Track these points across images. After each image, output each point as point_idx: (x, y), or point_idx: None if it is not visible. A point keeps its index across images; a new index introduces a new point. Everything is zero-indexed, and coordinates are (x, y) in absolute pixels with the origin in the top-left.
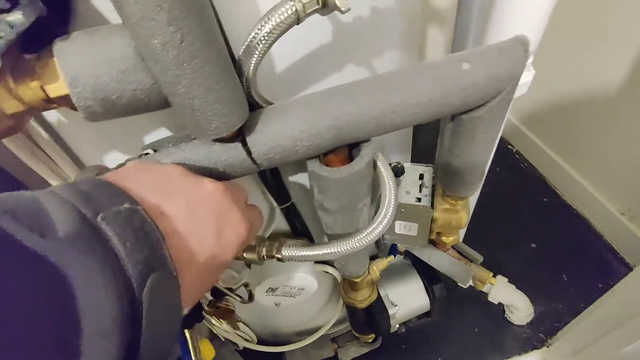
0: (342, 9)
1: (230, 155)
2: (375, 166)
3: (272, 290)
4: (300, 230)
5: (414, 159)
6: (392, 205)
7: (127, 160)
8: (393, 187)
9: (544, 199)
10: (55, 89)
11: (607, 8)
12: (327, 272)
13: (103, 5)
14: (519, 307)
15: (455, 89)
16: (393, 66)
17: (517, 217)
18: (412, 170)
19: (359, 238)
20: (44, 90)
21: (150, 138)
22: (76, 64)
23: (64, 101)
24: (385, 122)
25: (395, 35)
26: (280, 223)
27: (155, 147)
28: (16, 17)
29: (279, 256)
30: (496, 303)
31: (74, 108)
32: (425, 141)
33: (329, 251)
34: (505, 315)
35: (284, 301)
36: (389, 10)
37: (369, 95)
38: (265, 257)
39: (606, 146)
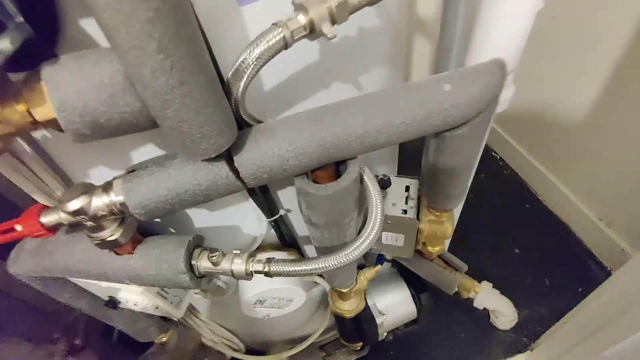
0: (329, 36)
1: (215, 173)
2: (362, 180)
3: (260, 302)
4: (288, 242)
5: (402, 163)
6: (378, 221)
7: (115, 179)
8: (380, 203)
9: (527, 205)
10: (42, 113)
11: (585, 26)
12: (316, 283)
13: (91, 26)
14: (504, 312)
15: (437, 109)
16: (379, 82)
17: (501, 222)
18: (399, 183)
19: (346, 253)
20: (30, 114)
21: (138, 153)
22: (64, 89)
23: (51, 124)
24: (370, 141)
25: (381, 53)
26: (269, 235)
27: (141, 166)
28: (5, 45)
29: (267, 271)
30: (481, 309)
31: (61, 130)
32: (412, 145)
33: (317, 266)
34: (490, 320)
35: (272, 312)
36: (376, 30)
37: (354, 116)
38: (253, 272)
39: (585, 155)
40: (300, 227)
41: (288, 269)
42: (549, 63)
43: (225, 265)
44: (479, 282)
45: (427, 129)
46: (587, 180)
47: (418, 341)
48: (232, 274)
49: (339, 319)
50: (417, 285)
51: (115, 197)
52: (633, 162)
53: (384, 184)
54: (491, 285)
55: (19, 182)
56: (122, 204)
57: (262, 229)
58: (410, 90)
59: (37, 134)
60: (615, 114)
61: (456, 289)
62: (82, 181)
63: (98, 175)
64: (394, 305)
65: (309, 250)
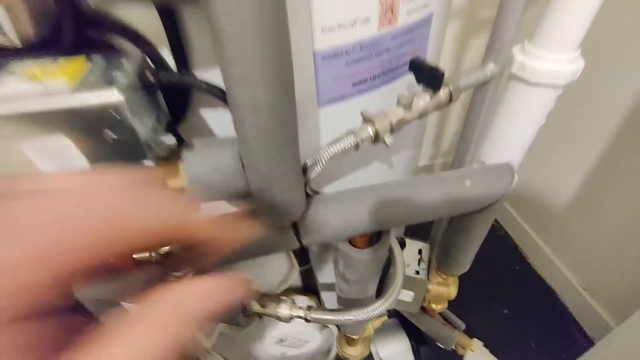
0: (388, 144)
1: (282, 237)
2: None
3: (281, 340)
4: (310, 288)
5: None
6: (399, 283)
7: None
8: (403, 269)
9: (517, 267)
10: (175, 182)
11: (572, 116)
12: (328, 327)
13: (209, 115)
14: None
15: (460, 199)
16: (407, 161)
17: (491, 282)
18: (412, 245)
19: (373, 308)
20: (165, 182)
21: None
22: (196, 169)
23: (178, 190)
24: (404, 219)
25: (412, 137)
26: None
27: None
28: (171, 140)
29: (309, 318)
30: None
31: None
32: None
33: (348, 318)
34: None
35: (288, 351)
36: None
37: (395, 199)
38: (294, 317)
39: (573, 226)
40: (322, 276)
41: (325, 318)
42: (541, 145)
43: (271, 309)
44: (469, 338)
45: (450, 212)
46: (573, 249)
47: None
48: (278, 317)
49: None
50: (417, 337)
51: None
52: (617, 236)
53: (400, 245)
54: (482, 343)
55: None
56: None
57: (293, 274)
58: (439, 181)
59: None
60: (602, 192)
61: (454, 346)
62: None
63: None
64: (394, 355)
65: (326, 296)
